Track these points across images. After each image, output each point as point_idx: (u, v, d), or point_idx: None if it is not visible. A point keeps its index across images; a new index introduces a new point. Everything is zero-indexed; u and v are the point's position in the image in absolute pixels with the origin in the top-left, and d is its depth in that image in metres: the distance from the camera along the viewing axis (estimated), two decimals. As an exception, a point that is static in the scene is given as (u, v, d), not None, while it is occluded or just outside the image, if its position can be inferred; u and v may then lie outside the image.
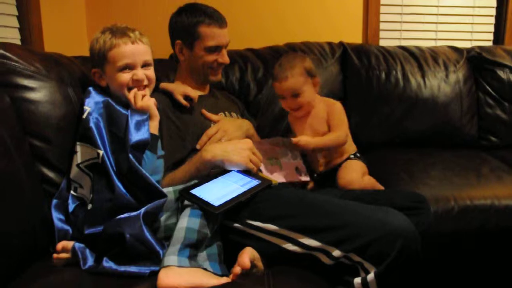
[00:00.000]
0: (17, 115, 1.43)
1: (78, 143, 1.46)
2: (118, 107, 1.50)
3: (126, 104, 1.53)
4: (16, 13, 2.10)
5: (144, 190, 1.36)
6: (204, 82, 1.92)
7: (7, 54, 1.46)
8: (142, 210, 1.31)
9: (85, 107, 1.47)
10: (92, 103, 1.49)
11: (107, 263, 1.26)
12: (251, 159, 1.51)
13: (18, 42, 2.10)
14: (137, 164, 1.37)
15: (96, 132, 1.43)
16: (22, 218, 1.29)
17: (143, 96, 1.53)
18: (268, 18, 2.84)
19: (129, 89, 1.54)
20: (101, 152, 1.40)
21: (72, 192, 1.44)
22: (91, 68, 1.60)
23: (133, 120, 1.46)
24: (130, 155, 1.38)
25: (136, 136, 1.42)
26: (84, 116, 1.45)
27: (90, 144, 1.43)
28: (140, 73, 1.55)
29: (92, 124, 1.43)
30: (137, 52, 1.55)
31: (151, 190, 1.36)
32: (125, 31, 1.55)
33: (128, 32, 1.55)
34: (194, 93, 1.77)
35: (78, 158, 1.45)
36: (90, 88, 1.54)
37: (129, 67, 1.54)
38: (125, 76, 1.53)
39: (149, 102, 1.53)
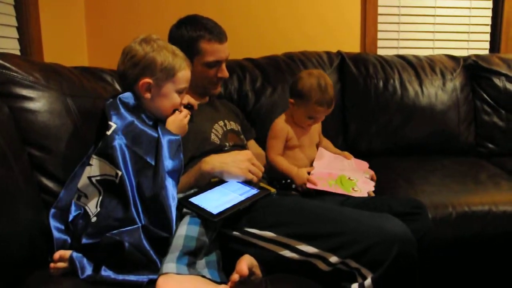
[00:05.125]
0: (16, 125, 1.43)
1: (95, 156, 1.41)
2: (145, 128, 1.44)
3: (152, 125, 1.49)
4: (16, 24, 2.11)
5: (156, 219, 1.32)
6: (203, 94, 1.92)
7: (6, 64, 1.46)
8: (143, 222, 1.30)
9: (111, 123, 1.40)
10: (119, 120, 1.42)
11: (106, 272, 1.25)
12: (250, 169, 1.51)
13: (18, 53, 2.12)
14: (169, 195, 1.33)
15: (119, 152, 1.36)
16: (21, 227, 1.29)
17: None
18: (266, 28, 2.87)
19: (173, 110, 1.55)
20: (120, 173, 1.34)
21: (75, 200, 1.41)
22: (138, 76, 1.48)
23: (165, 139, 1.42)
24: (166, 183, 1.34)
25: (172, 162, 1.39)
26: (109, 133, 1.39)
27: (109, 162, 1.37)
28: (186, 97, 1.61)
29: (115, 143, 1.37)
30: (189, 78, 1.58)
31: (162, 221, 1.31)
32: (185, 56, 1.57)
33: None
34: (194, 101, 1.76)
35: (92, 171, 1.40)
36: (119, 103, 1.45)
37: (183, 91, 1.55)
38: (178, 98, 1.54)
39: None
